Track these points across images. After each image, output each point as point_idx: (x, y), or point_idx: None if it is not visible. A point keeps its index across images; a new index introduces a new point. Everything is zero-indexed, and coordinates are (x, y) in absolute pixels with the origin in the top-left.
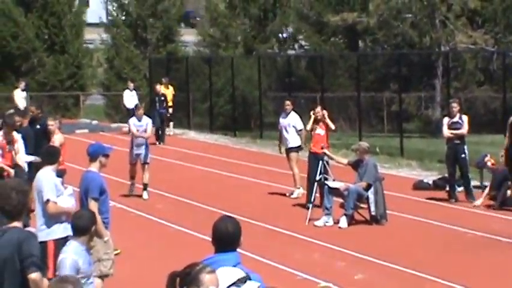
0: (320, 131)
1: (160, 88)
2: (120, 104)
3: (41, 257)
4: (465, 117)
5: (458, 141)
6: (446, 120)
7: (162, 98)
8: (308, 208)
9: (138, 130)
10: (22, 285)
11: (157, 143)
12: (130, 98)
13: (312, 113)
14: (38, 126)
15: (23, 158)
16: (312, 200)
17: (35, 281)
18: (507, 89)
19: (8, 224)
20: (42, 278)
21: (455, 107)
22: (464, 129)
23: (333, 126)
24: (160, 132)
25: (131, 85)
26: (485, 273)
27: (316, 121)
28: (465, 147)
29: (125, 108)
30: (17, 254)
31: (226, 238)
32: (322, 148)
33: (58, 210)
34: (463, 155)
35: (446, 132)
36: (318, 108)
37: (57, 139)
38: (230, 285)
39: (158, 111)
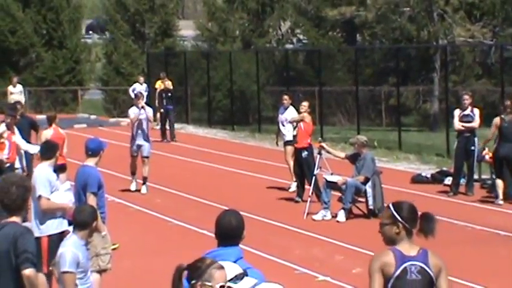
0: (302, 125)
1: (162, 83)
2: (118, 99)
3: (36, 253)
4: (477, 110)
5: (468, 134)
6: (457, 112)
7: (169, 94)
8: (296, 202)
9: (138, 119)
10: (17, 281)
11: (164, 140)
12: None
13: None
14: None
15: (24, 146)
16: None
17: (29, 277)
18: (505, 83)
19: (7, 219)
20: (36, 274)
21: (466, 99)
22: (476, 122)
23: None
24: (170, 128)
25: (141, 79)
26: (484, 267)
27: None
28: (476, 139)
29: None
30: (13, 249)
31: (229, 232)
32: (320, 142)
33: (50, 206)
34: (472, 147)
35: (458, 124)
36: (305, 103)
37: (44, 134)
38: (228, 281)
39: (165, 108)
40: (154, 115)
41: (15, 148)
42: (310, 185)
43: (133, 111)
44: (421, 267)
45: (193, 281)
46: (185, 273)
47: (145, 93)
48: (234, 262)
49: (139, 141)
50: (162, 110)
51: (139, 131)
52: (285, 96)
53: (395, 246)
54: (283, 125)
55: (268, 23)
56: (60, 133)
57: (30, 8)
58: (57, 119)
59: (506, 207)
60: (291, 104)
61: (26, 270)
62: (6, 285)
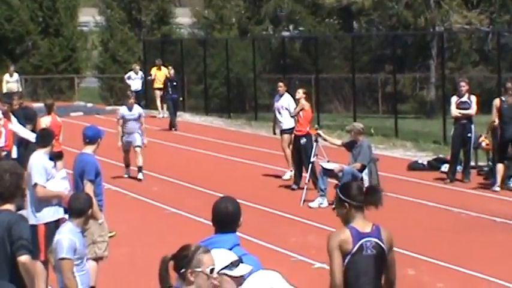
0: (301, 113)
1: (158, 70)
2: (115, 87)
3: (32, 241)
4: (473, 98)
5: (465, 121)
6: (454, 99)
7: (175, 83)
8: (293, 189)
9: (129, 120)
10: (13, 268)
11: (172, 129)
12: (134, 81)
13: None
14: None
15: (24, 134)
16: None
17: (24, 264)
18: (502, 69)
19: (0, 206)
20: (31, 261)
21: (463, 86)
22: (473, 109)
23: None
24: (173, 117)
25: (137, 67)
26: (480, 254)
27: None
28: (472, 126)
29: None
30: (7, 236)
31: (226, 218)
32: (316, 129)
33: (46, 194)
34: (469, 134)
35: (455, 111)
36: (300, 90)
37: (42, 121)
38: (223, 268)
39: (171, 97)
40: (151, 104)
41: (11, 136)
42: (307, 172)
43: (123, 111)
44: (376, 242)
45: (182, 270)
46: (171, 264)
47: (140, 81)
48: (230, 249)
49: (129, 138)
50: (168, 99)
51: (128, 131)
52: (280, 84)
53: (351, 224)
54: (280, 113)
55: (265, 11)
56: (57, 121)
57: None
58: (55, 106)
59: (502, 194)
60: (287, 91)
61: (22, 257)
62: (2, 272)
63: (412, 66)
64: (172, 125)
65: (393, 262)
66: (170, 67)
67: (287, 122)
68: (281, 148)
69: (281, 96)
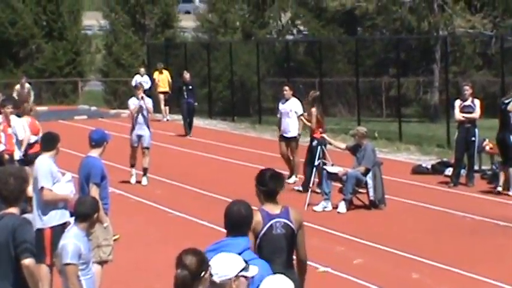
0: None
1: (160, 74)
2: (119, 90)
3: (38, 245)
4: (477, 101)
5: (469, 125)
6: (458, 103)
7: (190, 87)
8: (299, 191)
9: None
10: (17, 271)
11: (187, 135)
12: None
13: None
14: None
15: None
16: (310, 184)
17: (28, 267)
18: (505, 73)
19: (5, 210)
20: (35, 264)
21: (467, 89)
22: (476, 113)
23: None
24: (189, 122)
25: (142, 70)
26: (483, 257)
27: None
28: (476, 130)
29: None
30: (11, 240)
31: (239, 221)
32: (321, 133)
33: (53, 197)
34: (473, 138)
35: (458, 115)
36: (309, 98)
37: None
38: (241, 270)
39: (186, 101)
40: (154, 107)
41: (11, 140)
42: (317, 176)
43: (133, 102)
44: (284, 222)
45: (206, 275)
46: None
47: (147, 85)
48: (240, 253)
49: (140, 131)
50: (183, 104)
51: (139, 122)
52: (285, 87)
53: (263, 207)
54: (289, 117)
55: (269, 14)
56: (36, 124)
57: None
58: (33, 111)
59: (506, 198)
60: (293, 95)
61: (26, 260)
62: (6, 276)
63: (415, 70)
64: (186, 131)
65: (302, 242)
66: (186, 71)
67: (295, 127)
68: (290, 154)
69: (287, 100)
